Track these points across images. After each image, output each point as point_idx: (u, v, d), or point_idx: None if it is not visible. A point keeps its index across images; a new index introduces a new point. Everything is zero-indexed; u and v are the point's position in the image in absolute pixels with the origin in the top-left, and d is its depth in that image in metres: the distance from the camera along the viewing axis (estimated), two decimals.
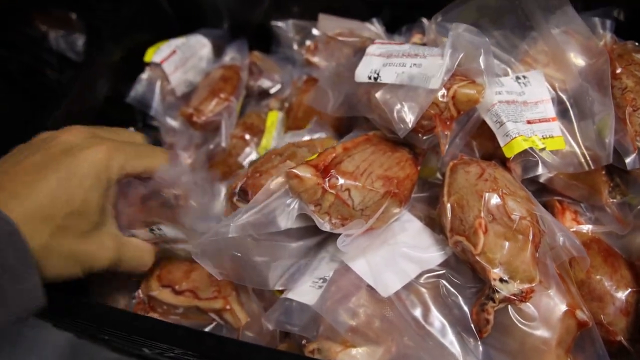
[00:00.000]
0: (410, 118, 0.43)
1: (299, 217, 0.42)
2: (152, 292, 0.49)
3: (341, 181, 0.41)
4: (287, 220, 0.41)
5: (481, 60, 0.44)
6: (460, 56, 0.44)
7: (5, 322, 0.36)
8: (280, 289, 0.45)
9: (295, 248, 0.46)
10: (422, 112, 0.43)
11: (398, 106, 0.43)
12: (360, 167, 0.43)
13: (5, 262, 0.35)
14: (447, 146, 0.44)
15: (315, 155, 0.43)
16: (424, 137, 0.46)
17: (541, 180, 0.48)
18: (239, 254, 0.42)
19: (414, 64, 0.45)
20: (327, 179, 0.40)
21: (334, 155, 0.43)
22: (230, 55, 0.70)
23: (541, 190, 0.50)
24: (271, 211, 0.41)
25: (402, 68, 0.45)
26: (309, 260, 0.47)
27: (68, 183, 0.40)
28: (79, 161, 0.41)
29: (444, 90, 0.43)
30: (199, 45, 0.71)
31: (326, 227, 0.42)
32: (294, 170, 0.40)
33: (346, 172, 0.42)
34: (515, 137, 0.44)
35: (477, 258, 0.39)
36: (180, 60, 0.69)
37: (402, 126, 0.43)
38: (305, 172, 0.40)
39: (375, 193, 0.42)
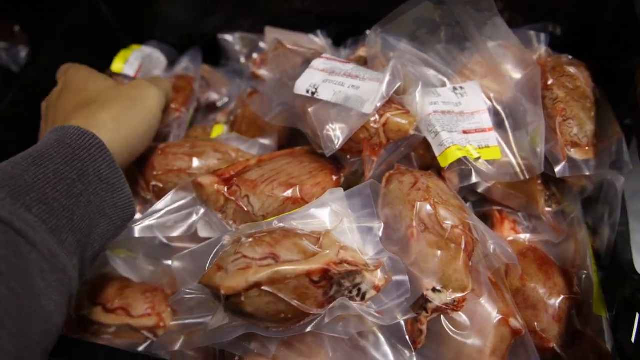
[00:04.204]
0: (338, 138, 0.43)
1: (210, 225, 0.43)
2: (82, 311, 0.47)
3: (241, 188, 0.43)
4: (192, 226, 0.43)
5: (417, 93, 0.45)
6: (398, 85, 0.44)
7: (107, 232, 0.39)
8: None
9: None
10: (351, 135, 0.43)
11: (329, 125, 0.44)
12: (265, 176, 0.44)
13: (101, 172, 0.38)
14: (371, 172, 0.44)
15: (227, 164, 0.45)
16: (351, 159, 0.46)
17: (479, 190, 0.48)
18: (151, 257, 0.44)
19: (352, 85, 0.45)
20: (226, 187, 0.43)
21: (245, 166, 0.45)
22: (183, 65, 0.69)
23: (482, 201, 0.51)
24: (178, 216, 0.43)
25: (340, 87, 0.45)
26: None
27: (146, 118, 0.45)
28: (149, 99, 0.46)
29: (376, 117, 0.43)
30: (156, 57, 0.70)
31: None
32: (198, 179, 0.43)
33: (248, 180, 0.44)
34: (449, 147, 0.44)
35: (410, 268, 0.39)
36: (143, 74, 0.68)
37: (329, 145, 0.43)
38: (207, 181, 0.43)
39: (274, 199, 0.43)
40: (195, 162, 0.49)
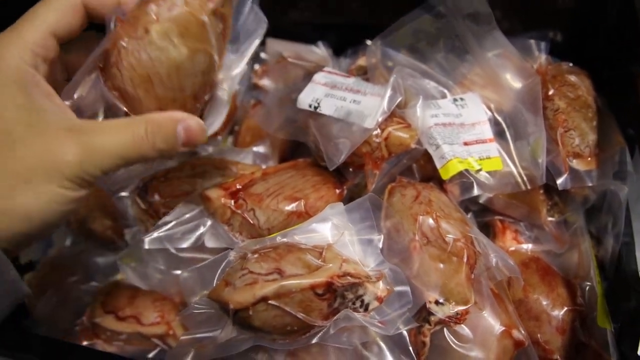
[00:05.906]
0: (341, 153, 0.44)
1: (217, 236, 0.44)
2: (96, 318, 0.49)
3: (247, 202, 0.44)
4: (200, 237, 0.44)
5: (418, 107, 0.46)
6: (399, 100, 0.45)
7: None
8: None
9: None
10: (353, 149, 0.44)
11: (332, 140, 0.44)
12: (270, 189, 0.45)
13: None
14: (374, 184, 0.45)
15: (231, 178, 0.46)
16: (354, 172, 0.47)
17: (481, 201, 0.49)
18: (161, 267, 0.45)
19: (354, 100, 0.46)
20: (233, 201, 0.44)
21: (250, 179, 0.46)
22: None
23: (483, 210, 0.51)
24: (186, 228, 0.44)
25: (342, 102, 0.46)
26: None
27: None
28: None
29: (378, 131, 0.44)
30: None
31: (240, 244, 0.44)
32: (205, 192, 0.44)
33: (254, 193, 0.45)
34: (450, 159, 0.44)
35: (413, 281, 0.39)
36: None
37: (332, 160, 0.44)
38: (214, 194, 0.44)
39: (279, 213, 0.44)
40: (200, 184, 0.48)
